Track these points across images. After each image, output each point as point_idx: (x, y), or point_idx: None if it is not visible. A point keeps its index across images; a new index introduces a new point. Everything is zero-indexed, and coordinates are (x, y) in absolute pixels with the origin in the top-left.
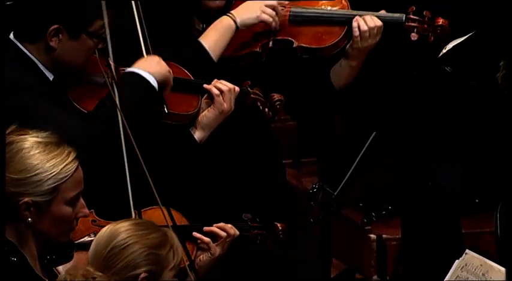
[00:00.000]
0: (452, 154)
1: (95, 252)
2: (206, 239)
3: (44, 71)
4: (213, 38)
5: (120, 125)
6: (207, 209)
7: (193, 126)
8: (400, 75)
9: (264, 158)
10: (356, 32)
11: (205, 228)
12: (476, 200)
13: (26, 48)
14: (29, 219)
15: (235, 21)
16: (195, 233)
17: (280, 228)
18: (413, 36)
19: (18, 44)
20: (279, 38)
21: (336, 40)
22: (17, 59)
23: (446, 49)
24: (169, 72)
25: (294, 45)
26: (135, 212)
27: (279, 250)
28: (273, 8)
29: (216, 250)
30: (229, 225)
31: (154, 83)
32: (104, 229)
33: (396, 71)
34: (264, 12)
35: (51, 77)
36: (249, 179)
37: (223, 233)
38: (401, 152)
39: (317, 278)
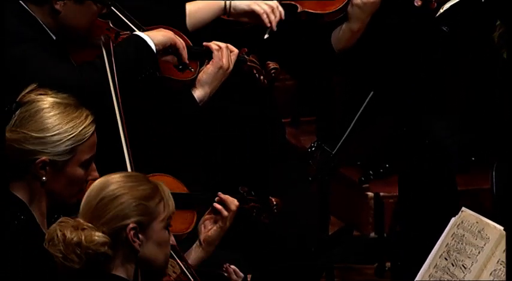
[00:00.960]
0: (449, 113)
1: (86, 203)
2: (233, 206)
3: (48, 32)
4: (199, 5)
5: (112, 91)
6: (207, 177)
7: (193, 86)
8: (402, 40)
9: (263, 119)
10: None
11: (221, 195)
12: (473, 158)
13: (30, 9)
14: (44, 178)
15: (226, 3)
16: (220, 195)
17: (274, 203)
18: (417, 1)
19: (24, 5)
20: (283, 2)
21: (341, 6)
22: (22, 18)
23: (444, 9)
24: (174, 35)
25: (298, 10)
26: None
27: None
28: (271, 7)
29: (228, 222)
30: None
31: (151, 43)
32: (96, 181)
33: (399, 36)
34: (258, 4)
35: (54, 37)
36: (248, 141)
37: (233, 207)
38: (399, 111)
39: (315, 236)
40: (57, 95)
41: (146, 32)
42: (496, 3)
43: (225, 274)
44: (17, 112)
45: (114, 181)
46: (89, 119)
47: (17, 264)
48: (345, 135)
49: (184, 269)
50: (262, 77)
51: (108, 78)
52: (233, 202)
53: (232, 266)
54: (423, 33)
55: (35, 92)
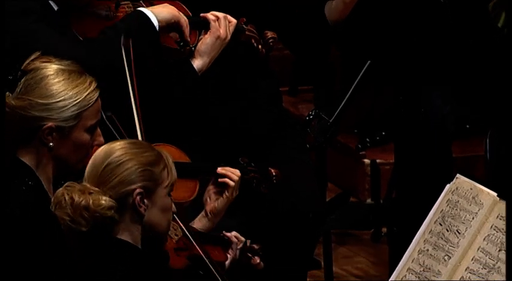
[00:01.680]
0: (444, 81)
1: (91, 169)
2: (234, 176)
3: (49, 0)
4: None
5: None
6: (207, 147)
7: (192, 56)
8: (399, 9)
9: (261, 90)
10: None
11: (220, 169)
12: (467, 126)
13: None
14: (51, 143)
15: None
16: (220, 170)
17: (274, 173)
18: None
19: None
20: None
21: None
22: None
23: None
24: (178, 12)
25: None
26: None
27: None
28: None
29: (234, 192)
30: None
31: (154, 21)
32: (101, 148)
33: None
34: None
35: (55, 7)
36: (247, 111)
37: (235, 177)
38: (396, 80)
39: (313, 202)
40: (61, 62)
41: (150, 8)
42: None
43: (225, 238)
44: (22, 80)
45: (119, 147)
46: (93, 85)
47: (26, 229)
48: (343, 104)
49: (186, 232)
50: (260, 47)
51: (118, 57)
52: (235, 173)
53: (233, 232)
54: (420, 3)
55: (39, 59)
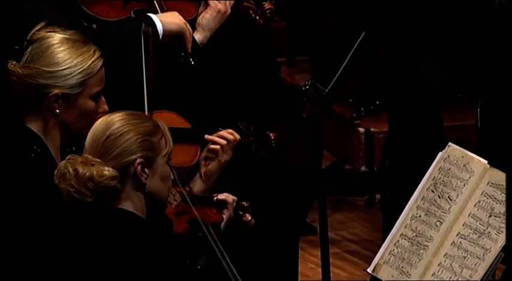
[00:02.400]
0: (437, 51)
1: (92, 141)
2: (220, 140)
3: None
4: None
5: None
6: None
7: (194, 29)
8: None
9: (259, 62)
10: None
11: (207, 136)
12: (459, 95)
13: None
14: (57, 110)
15: None
16: (207, 136)
17: (272, 137)
18: None
19: None
20: None
21: None
22: None
23: None
24: (185, 23)
25: None
26: (148, 113)
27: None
28: None
29: (223, 155)
30: (230, 130)
31: (160, 28)
32: (99, 120)
33: None
34: None
35: None
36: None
37: (223, 141)
38: (390, 50)
39: (309, 169)
40: (66, 31)
41: (160, 16)
42: None
43: (219, 200)
44: (28, 49)
45: (118, 118)
46: (97, 54)
47: (35, 196)
48: (338, 74)
49: (185, 196)
50: (258, 17)
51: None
52: (229, 134)
53: (225, 193)
54: None
55: (44, 29)
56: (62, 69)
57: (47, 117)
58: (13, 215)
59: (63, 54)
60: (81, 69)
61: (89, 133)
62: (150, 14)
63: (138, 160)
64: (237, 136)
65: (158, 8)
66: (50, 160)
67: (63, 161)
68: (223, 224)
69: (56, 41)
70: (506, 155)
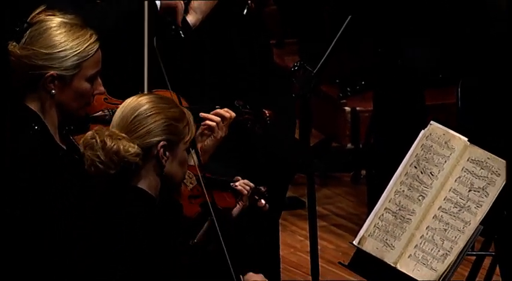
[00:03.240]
0: (420, 35)
1: (121, 117)
2: (215, 118)
3: None
4: None
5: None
6: (204, 95)
7: (187, 12)
8: None
9: (252, 43)
10: None
11: (202, 114)
12: (440, 76)
13: None
14: (53, 91)
15: None
16: (202, 114)
17: (267, 114)
18: None
19: None
20: None
21: None
22: None
23: None
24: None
25: None
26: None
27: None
28: None
29: (219, 132)
30: (225, 109)
31: (158, 2)
32: (130, 99)
33: None
34: None
35: None
36: (238, 63)
37: (218, 119)
38: (376, 33)
39: (298, 146)
40: (65, 15)
41: None
42: None
43: (235, 188)
44: (27, 31)
45: (148, 100)
46: (93, 38)
47: (34, 171)
48: (325, 56)
49: (201, 180)
50: (250, 2)
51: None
52: (225, 112)
53: (243, 181)
54: None
55: (44, 13)
56: (58, 52)
57: (44, 97)
58: (14, 211)
59: (60, 37)
60: (76, 52)
61: (118, 109)
62: None
63: (162, 143)
64: (233, 114)
65: None
66: (48, 136)
67: (91, 132)
68: (236, 209)
69: (54, 25)
70: (486, 133)
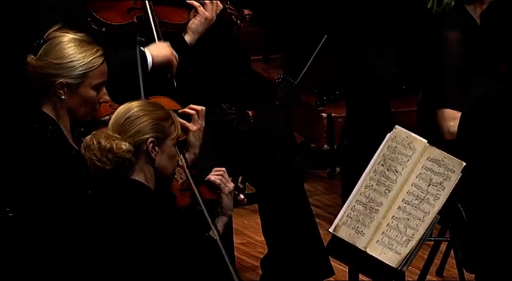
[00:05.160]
0: (386, 49)
1: (115, 120)
2: (191, 112)
3: None
4: None
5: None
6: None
7: (184, 31)
8: None
9: (236, 58)
10: None
11: (180, 110)
12: (404, 87)
13: None
14: (63, 97)
15: None
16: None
17: (251, 114)
18: None
19: None
20: None
21: None
22: None
23: None
24: (172, 55)
25: None
26: (145, 97)
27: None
28: None
29: (199, 127)
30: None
31: (150, 61)
32: (123, 105)
33: None
34: None
35: None
36: (226, 74)
37: (192, 112)
38: (349, 49)
39: (283, 144)
40: (76, 33)
41: (152, 48)
42: None
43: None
44: (44, 45)
45: (138, 104)
46: (99, 52)
47: (51, 169)
48: (305, 69)
49: (189, 176)
50: (239, 21)
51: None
52: (194, 108)
53: (218, 175)
54: None
55: (58, 30)
56: (67, 62)
57: (56, 102)
58: (31, 180)
59: (69, 50)
60: (83, 63)
61: (113, 114)
62: (145, 49)
63: (150, 139)
64: (203, 108)
65: (151, 17)
66: (62, 137)
67: (90, 135)
68: (223, 201)
69: (65, 40)
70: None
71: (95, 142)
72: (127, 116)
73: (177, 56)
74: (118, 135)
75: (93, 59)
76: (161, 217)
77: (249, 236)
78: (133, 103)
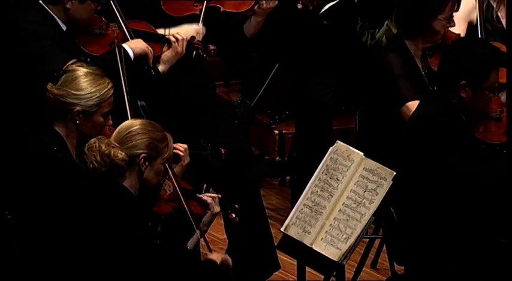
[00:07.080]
0: (326, 75)
1: (118, 132)
2: (180, 148)
3: (60, 23)
4: None
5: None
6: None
7: (158, 62)
8: (292, 29)
9: (202, 83)
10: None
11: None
12: (343, 107)
13: (48, 7)
14: (78, 121)
15: None
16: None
17: (223, 152)
18: (299, 5)
19: (43, 5)
20: (210, 5)
21: (250, 6)
22: (41, 14)
23: (324, 9)
24: (147, 48)
25: (221, 10)
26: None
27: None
28: None
29: (185, 160)
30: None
31: (131, 53)
32: (128, 120)
33: (288, 26)
34: None
35: (64, 28)
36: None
37: (182, 149)
38: (296, 76)
39: (245, 154)
40: (90, 67)
41: (129, 43)
42: (363, 4)
43: (203, 199)
44: (63, 76)
45: (140, 122)
46: (110, 85)
47: (58, 176)
48: (260, 93)
49: (177, 188)
50: (205, 55)
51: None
52: (182, 147)
53: (207, 194)
54: (308, 25)
55: (75, 64)
56: (84, 94)
57: (69, 125)
58: (36, 187)
59: (87, 83)
60: (98, 95)
61: (117, 128)
62: (124, 44)
63: (143, 155)
64: (185, 146)
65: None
66: (68, 153)
67: (94, 138)
68: (206, 216)
69: (82, 73)
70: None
71: (97, 145)
72: (129, 130)
73: (151, 49)
74: (118, 145)
75: (106, 91)
76: (133, 217)
77: (213, 235)
78: (136, 121)
